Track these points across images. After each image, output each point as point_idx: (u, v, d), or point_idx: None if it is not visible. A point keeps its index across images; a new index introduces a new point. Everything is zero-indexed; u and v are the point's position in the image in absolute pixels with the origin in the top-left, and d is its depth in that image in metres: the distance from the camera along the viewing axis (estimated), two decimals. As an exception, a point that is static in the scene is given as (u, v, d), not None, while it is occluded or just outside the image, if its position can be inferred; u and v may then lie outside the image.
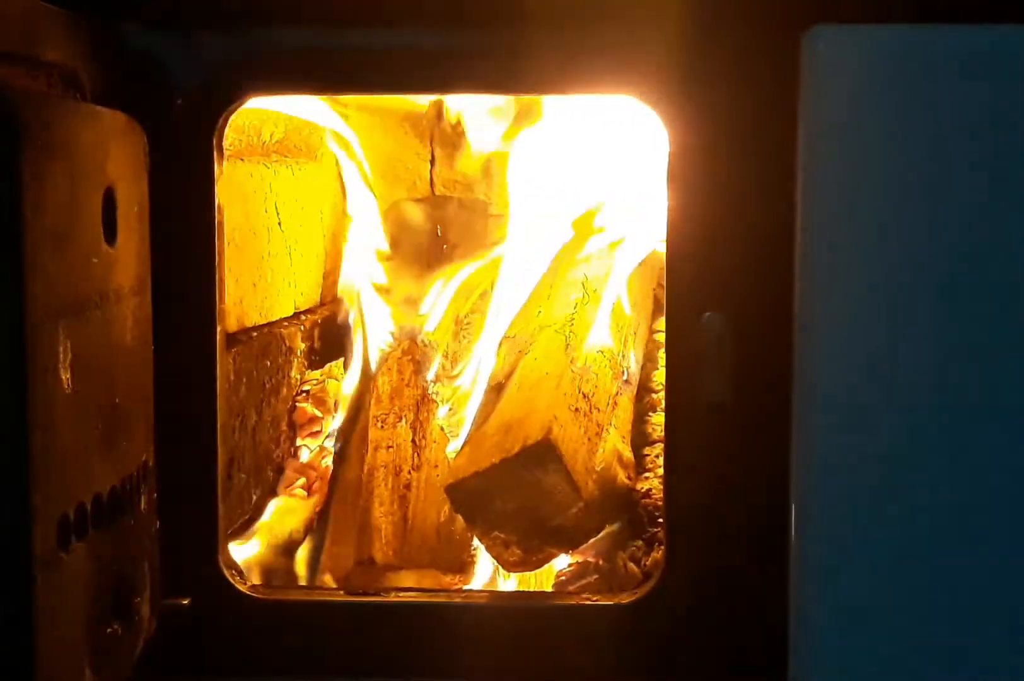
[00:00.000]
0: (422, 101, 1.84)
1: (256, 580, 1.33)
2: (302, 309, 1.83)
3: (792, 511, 1.08)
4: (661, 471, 1.38)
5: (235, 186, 1.53)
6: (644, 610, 1.25)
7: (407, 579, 1.58)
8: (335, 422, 1.72)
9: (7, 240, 0.87)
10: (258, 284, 1.64)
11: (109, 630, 1.04)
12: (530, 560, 1.44)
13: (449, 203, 1.88)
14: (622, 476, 1.52)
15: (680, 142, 1.20)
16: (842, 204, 1.04)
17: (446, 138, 1.89)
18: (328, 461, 1.70)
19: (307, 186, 1.85)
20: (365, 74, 1.24)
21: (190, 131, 1.22)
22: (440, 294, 1.72)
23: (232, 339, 1.50)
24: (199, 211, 1.23)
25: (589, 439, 1.49)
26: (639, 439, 1.63)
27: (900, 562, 1.05)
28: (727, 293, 1.20)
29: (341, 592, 1.34)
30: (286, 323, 1.75)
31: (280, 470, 1.70)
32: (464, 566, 1.59)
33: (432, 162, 1.90)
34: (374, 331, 1.72)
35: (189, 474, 1.24)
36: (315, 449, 1.74)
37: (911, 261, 1.03)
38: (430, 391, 1.66)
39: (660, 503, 1.44)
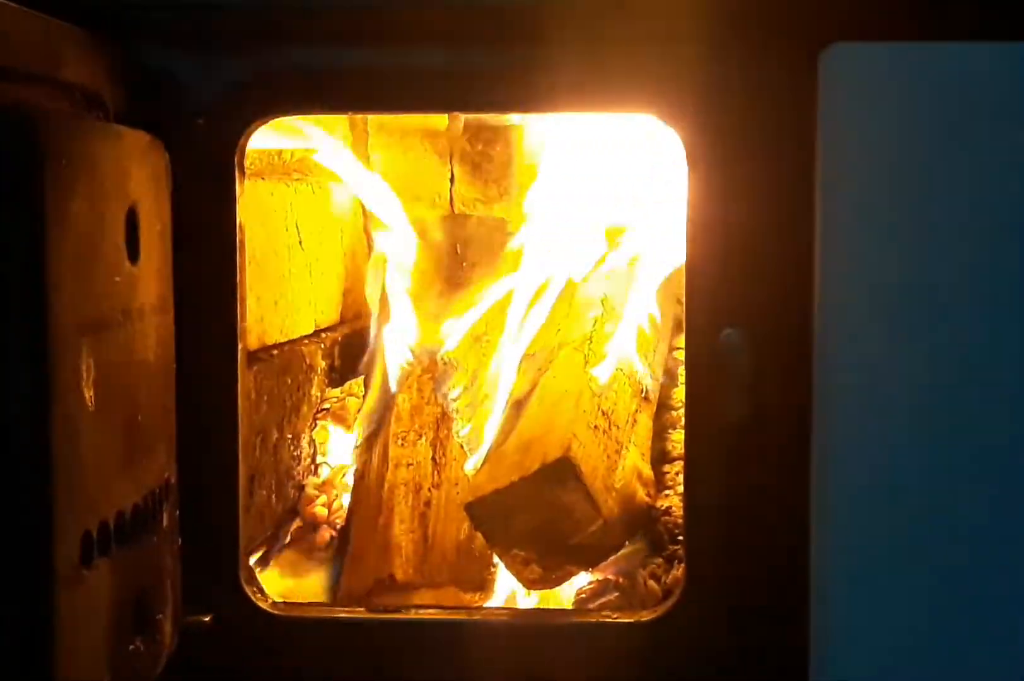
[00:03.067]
0: (442, 119, 1.85)
1: (277, 597, 1.33)
2: (322, 327, 1.84)
3: (812, 528, 1.08)
4: (681, 488, 1.38)
5: (256, 205, 1.54)
6: (664, 628, 1.25)
7: (427, 596, 1.58)
8: (355, 440, 1.72)
9: (30, 259, 0.87)
10: (279, 302, 1.65)
11: (131, 646, 1.05)
12: (550, 578, 1.44)
13: (469, 221, 1.89)
14: (642, 493, 1.52)
15: (699, 159, 1.20)
16: (861, 221, 1.04)
17: (466, 156, 1.90)
18: (349, 479, 1.70)
19: (327, 204, 1.86)
20: (385, 93, 1.25)
21: (212, 150, 1.23)
22: (460, 312, 1.72)
23: (253, 357, 1.50)
24: (221, 230, 1.24)
25: (608, 456, 1.49)
26: (659, 456, 1.63)
27: (924, 579, 1.04)
28: (747, 310, 1.20)
29: (362, 609, 1.34)
30: (307, 341, 1.76)
31: (301, 488, 1.70)
32: (484, 584, 1.59)
33: (452, 180, 1.91)
34: (394, 349, 1.73)
35: (211, 491, 1.25)
36: (336, 467, 1.74)
37: (932, 276, 1.03)
38: (450, 409, 1.66)
39: (680, 520, 1.44)
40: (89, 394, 0.94)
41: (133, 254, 1.04)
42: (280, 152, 1.68)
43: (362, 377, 1.76)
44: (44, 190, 0.88)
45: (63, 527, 0.90)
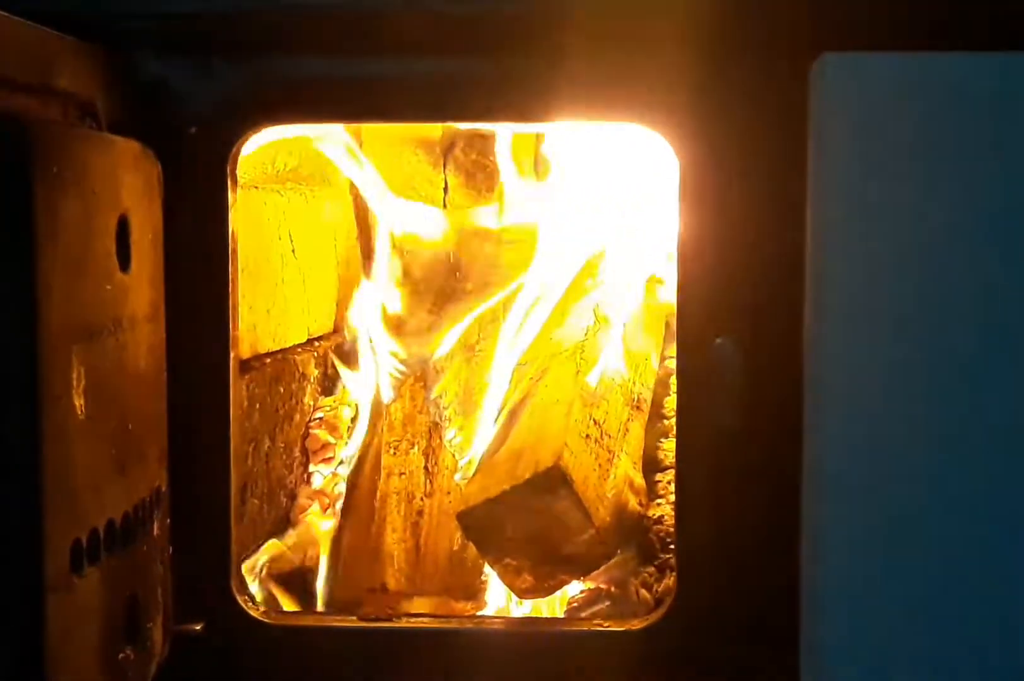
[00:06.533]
0: (435, 128, 1.85)
1: (269, 606, 1.33)
2: (316, 336, 1.84)
3: (803, 537, 1.08)
4: (673, 497, 1.38)
5: (249, 214, 1.54)
6: (656, 636, 1.25)
7: (420, 606, 1.58)
8: (348, 448, 1.72)
9: (21, 267, 0.87)
10: (272, 311, 1.65)
11: (121, 655, 1.05)
12: (542, 587, 1.44)
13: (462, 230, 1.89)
14: (633, 502, 1.52)
15: (691, 169, 1.20)
16: (852, 231, 1.05)
17: (459, 165, 1.90)
18: (341, 487, 1.70)
19: (321, 213, 1.86)
20: (377, 103, 1.25)
21: (204, 159, 1.23)
22: (452, 321, 1.72)
23: (246, 365, 1.51)
24: (213, 238, 1.24)
25: (600, 465, 1.49)
26: (651, 465, 1.62)
27: (916, 591, 1.04)
28: (738, 318, 1.21)
29: (353, 618, 1.34)
30: (300, 350, 1.76)
31: (293, 496, 1.70)
32: (476, 593, 1.59)
33: (445, 189, 1.91)
34: (386, 358, 1.73)
35: (202, 500, 1.25)
36: (328, 475, 1.74)
37: (923, 287, 1.03)
38: (441, 418, 1.66)
39: (672, 529, 1.44)
40: (79, 402, 0.94)
41: (124, 262, 1.04)
42: (274, 161, 1.68)
43: (354, 385, 1.76)
44: (34, 198, 0.88)
45: (53, 535, 0.90)
